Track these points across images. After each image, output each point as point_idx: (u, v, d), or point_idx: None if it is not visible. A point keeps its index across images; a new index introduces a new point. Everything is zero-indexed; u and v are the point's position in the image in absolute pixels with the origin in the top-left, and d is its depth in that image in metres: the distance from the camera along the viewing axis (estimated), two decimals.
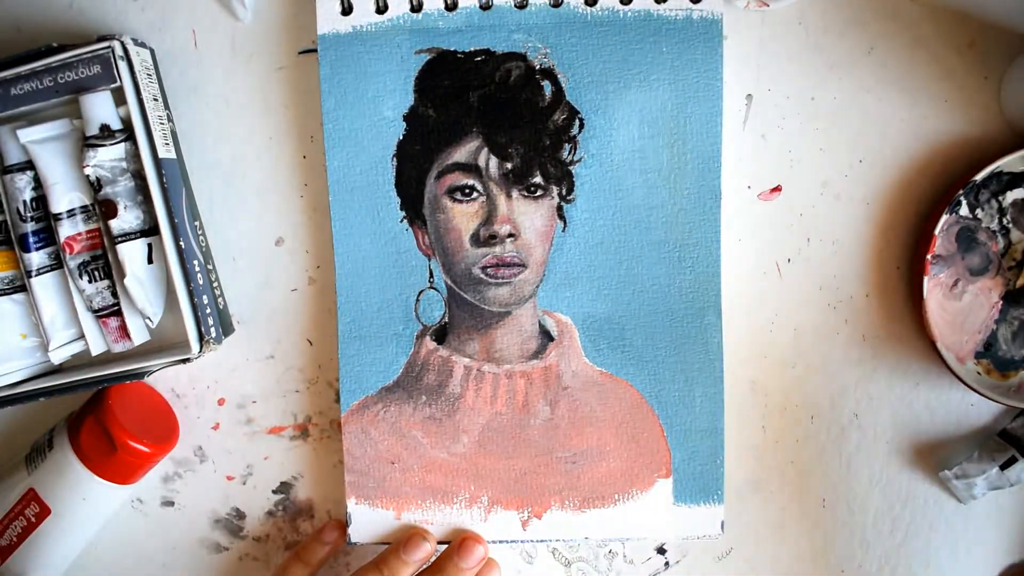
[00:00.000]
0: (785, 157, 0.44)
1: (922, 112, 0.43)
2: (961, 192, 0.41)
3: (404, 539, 0.43)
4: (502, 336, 0.44)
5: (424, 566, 0.44)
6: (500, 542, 0.45)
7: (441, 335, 0.44)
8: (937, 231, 0.41)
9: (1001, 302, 0.44)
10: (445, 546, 0.44)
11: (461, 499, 0.44)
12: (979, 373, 0.44)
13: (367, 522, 0.45)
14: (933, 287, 0.43)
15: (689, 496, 0.44)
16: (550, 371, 0.44)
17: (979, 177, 0.41)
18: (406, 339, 0.44)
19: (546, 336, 0.44)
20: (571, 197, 0.43)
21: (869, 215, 0.44)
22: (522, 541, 0.45)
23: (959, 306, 0.44)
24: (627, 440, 0.44)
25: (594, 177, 0.42)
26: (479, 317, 0.43)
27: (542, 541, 0.45)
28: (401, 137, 0.43)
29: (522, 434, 0.44)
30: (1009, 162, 0.41)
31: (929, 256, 0.41)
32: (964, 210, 0.43)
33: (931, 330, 0.42)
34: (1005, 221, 0.43)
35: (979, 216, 0.43)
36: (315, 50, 0.43)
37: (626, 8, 0.41)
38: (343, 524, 0.46)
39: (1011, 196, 0.43)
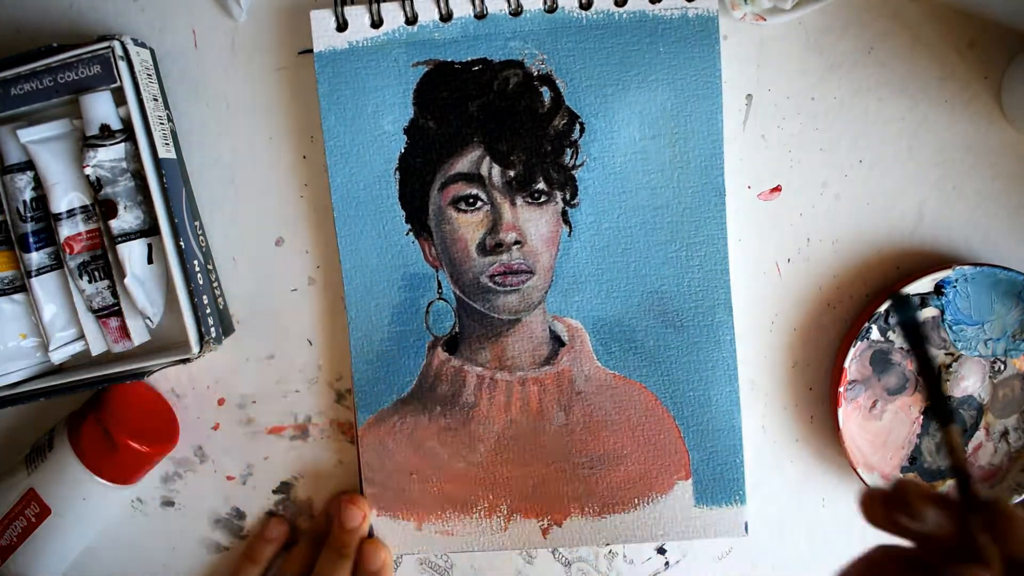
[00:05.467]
0: (785, 157, 0.44)
1: (922, 112, 0.43)
2: (869, 321, 0.42)
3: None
4: (513, 343, 0.43)
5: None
6: (523, 550, 0.45)
7: (453, 345, 0.44)
8: (847, 363, 0.42)
9: (922, 417, 0.44)
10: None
11: (480, 508, 0.44)
12: None
13: (389, 533, 0.45)
14: (852, 411, 0.44)
15: (710, 497, 0.43)
16: (563, 376, 0.43)
17: (883, 308, 0.41)
18: (418, 351, 0.44)
19: (557, 341, 0.44)
20: (575, 201, 0.43)
21: (869, 215, 0.44)
22: (547, 550, 0.45)
23: (880, 425, 0.44)
24: (644, 443, 0.44)
25: (597, 180, 0.42)
26: (489, 326, 0.43)
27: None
28: (403, 150, 0.43)
29: (538, 441, 0.44)
30: (916, 286, 0.42)
31: (842, 389, 0.42)
32: (875, 335, 0.43)
33: (850, 455, 0.42)
34: None
35: (891, 338, 0.43)
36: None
37: (621, 10, 0.41)
38: (285, 520, 0.46)
39: (920, 316, 0.43)
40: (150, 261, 0.41)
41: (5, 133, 0.40)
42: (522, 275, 0.43)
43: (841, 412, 0.42)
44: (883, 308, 0.41)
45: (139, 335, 0.42)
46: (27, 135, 0.39)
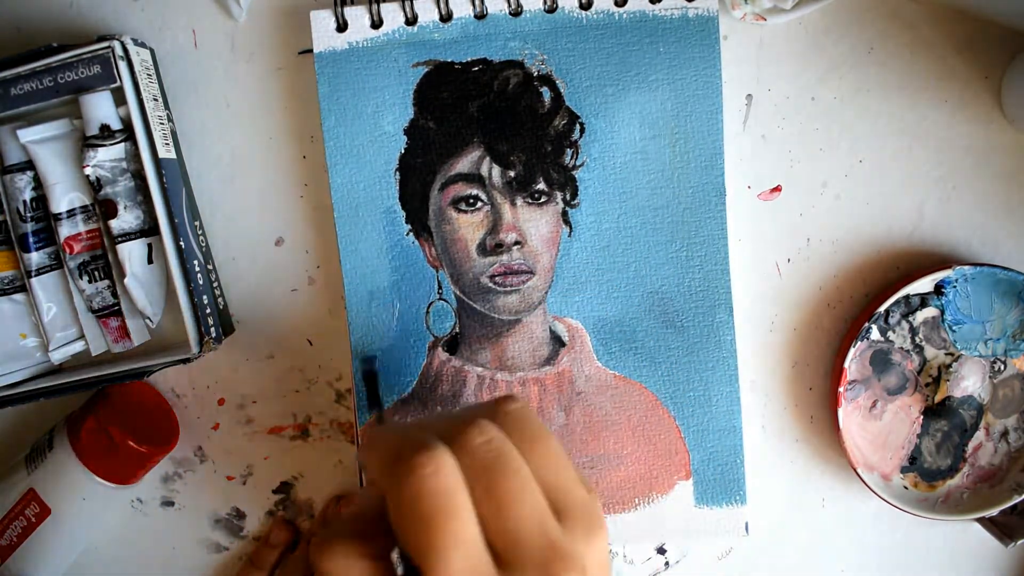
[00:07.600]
0: (785, 157, 0.44)
1: (922, 112, 0.43)
2: (869, 321, 0.42)
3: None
4: (513, 344, 0.43)
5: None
6: None
7: (453, 345, 0.44)
8: (847, 363, 0.42)
9: (922, 417, 0.44)
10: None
11: None
12: (906, 487, 0.44)
13: None
14: (852, 411, 0.44)
15: (711, 498, 0.43)
16: (563, 377, 0.43)
17: (883, 308, 0.42)
18: (418, 351, 0.44)
19: (557, 342, 0.44)
20: (575, 202, 0.43)
21: (869, 215, 0.44)
22: None
23: (880, 425, 0.44)
24: (644, 443, 0.44)
25: (597, 181, 0.42)
26: (490, 326, 0.43)
27: None
28: (403, 151, 0.42)
29: None
30: (916, 286, 0.42)
31: (841, 389, 0.42)
32: (875, 335, 0.44)
33: (850, 455, 0.42)
34: (918, 340, 0.44)
35: (891, 338, 0.44)
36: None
37: (621, 10, 0.41)
38: (290, 527, 0.46)
39: (921, 316, 0.43)
40: (150, 261, 0.41)
41: (5, 133, 0.40)
42: (522, 275, 0.43)
43: (841, 412, 0.42)
44: (883, 308, 0.41)
45: (139, 335, 0.42)
46: (27, 135, 0.39)
